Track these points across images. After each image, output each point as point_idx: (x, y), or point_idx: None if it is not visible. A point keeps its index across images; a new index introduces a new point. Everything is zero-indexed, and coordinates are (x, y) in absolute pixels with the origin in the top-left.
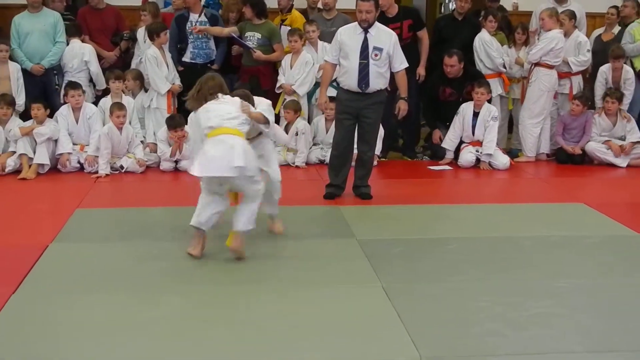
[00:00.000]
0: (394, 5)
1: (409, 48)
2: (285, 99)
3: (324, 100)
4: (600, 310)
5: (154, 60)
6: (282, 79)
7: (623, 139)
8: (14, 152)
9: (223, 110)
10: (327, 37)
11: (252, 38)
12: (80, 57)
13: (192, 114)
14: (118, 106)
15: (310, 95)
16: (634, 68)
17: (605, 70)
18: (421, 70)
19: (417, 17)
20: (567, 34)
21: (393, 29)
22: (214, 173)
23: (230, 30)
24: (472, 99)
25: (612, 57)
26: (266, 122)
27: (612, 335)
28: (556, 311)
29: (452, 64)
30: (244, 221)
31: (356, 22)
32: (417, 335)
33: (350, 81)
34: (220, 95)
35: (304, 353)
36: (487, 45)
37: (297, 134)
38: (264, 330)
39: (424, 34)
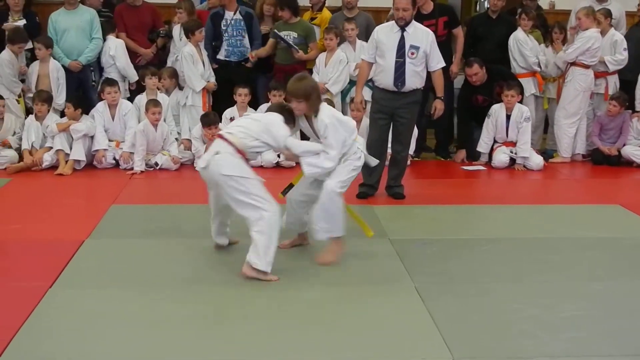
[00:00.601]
0: (429, 2)
1: (444, 46)
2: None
3: (360, 99)
4: (636, 313)
5: (190, 58)
6: (316, 77)
7: None
8: (51, 148)
9: None
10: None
11: (288, 37)
12: (108, 51)
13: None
14: (153, 103)
15: (344, 94)
16: None
17: None
18: (454, 68)
19: (453, 14)
20: (602, 33)
21: (428, 26)
22: None
23: (268, 51)
24: (503, 100)
25: None
26: None
27: None
28: (592, 314)
29: (475, 72)
30: None
31: (393, 21)
32: (450, 337)
33: (386, 80)
34: None
35: (334, 352)
36: (520, 45)
37: None
38: (296, 327)
39: (459, 32)
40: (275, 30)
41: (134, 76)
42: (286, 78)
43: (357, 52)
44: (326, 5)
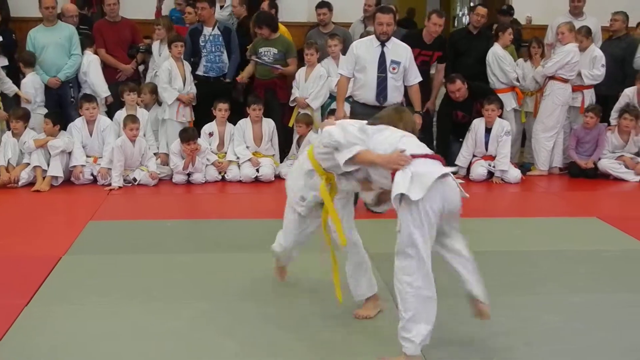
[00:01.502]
0: (436, 33)
1: (425, 76)
2: (299, 112)
3: (342, 115)
4: (616, 325)
5: (167, 72)
6: (296, 92)
7: (637, 154)
8: (28, 164)
9: None
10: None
11: (268, 53)
12: (82, 68)
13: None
14: (132, 119)
15: (324, 108)
16: None
17: (629, 93)
18: (430, 105)
19: (445, 51)
20: (583, 48)
21: (424, 56)
22: None
23: (251, 71)
24: (483, 116)
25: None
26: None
27: (628, 351)
28: (572, 326)
29: (458, 88)
30: None
31: (372, 36)
32: (429, 350)
33: (367, 95)
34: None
35: None
36: (500, 60)
37: None
38: (271, 343)
39: (442, 67)
40: (254, 58)
41: (103, 92)
42: (266, 93)
43: (340, 65)
44: (280, 20)
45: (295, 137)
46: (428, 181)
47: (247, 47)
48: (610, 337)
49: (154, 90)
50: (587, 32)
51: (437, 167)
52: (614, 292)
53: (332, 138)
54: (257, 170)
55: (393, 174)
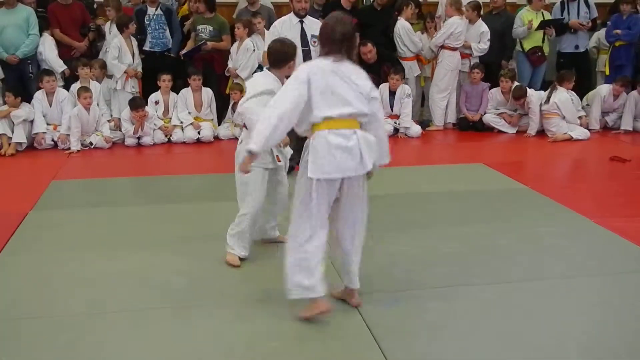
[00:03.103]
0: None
1: None
2: (233, 81)
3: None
4: (497, 249)
5: (116, 49)
6: (230, 64)
7: (515, 111)
8: None
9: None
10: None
11: (205, 30)
12: (39, 47)
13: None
14: (84, 89)
15: None
16: (523, 49)
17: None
18: None
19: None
20: (472, 22)
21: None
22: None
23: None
24: (388, 81)
25: (514, 97)
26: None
27: (504, 270)
28: (463, 251)
29: (369, 50)
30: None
31: (290, 14)
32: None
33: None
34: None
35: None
36: (410, 33)
37: None
38: (169, 287)
39: (356, 35)
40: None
41: (59, 67)
42: (204, 65)
43: (267, 42)
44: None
45: (231, 103)
46: None
47: (185, 23)
48: (490, 260)
49: (102, 65)
50: (474, 7)
51: None
52: (495, 224)
53: None
54: (199, 133)
55: None
